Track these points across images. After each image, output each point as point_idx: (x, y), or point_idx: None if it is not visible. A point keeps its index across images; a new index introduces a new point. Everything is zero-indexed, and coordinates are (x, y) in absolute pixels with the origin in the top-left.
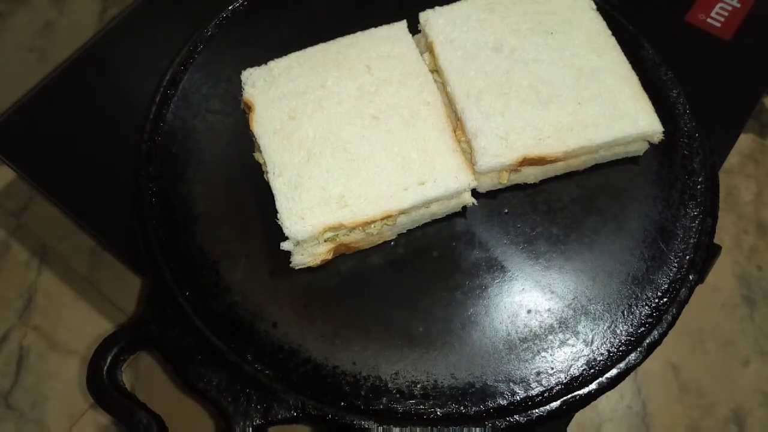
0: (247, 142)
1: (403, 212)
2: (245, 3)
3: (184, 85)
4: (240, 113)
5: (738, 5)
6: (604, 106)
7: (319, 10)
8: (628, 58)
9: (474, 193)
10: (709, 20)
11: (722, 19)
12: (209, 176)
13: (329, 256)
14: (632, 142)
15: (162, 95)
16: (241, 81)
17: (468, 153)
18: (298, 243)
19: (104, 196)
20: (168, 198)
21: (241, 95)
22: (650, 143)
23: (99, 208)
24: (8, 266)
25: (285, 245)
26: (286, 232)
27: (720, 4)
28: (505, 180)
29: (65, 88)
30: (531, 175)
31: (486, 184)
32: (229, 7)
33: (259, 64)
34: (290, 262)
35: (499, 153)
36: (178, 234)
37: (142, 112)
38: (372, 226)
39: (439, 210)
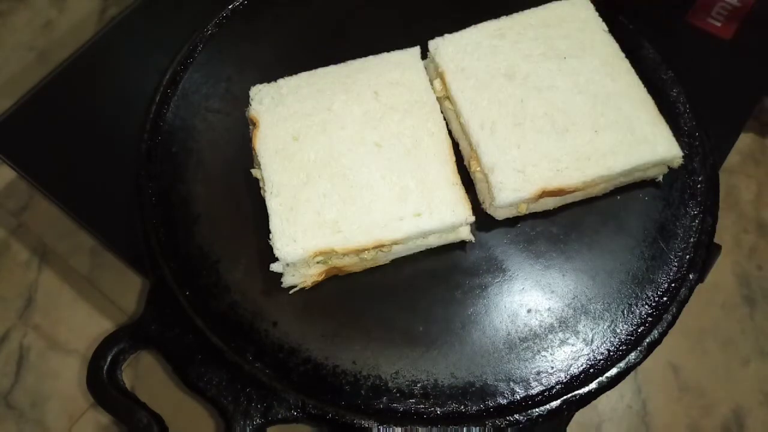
0: (247, 142)
1: (396, 242)
2: (245, 3)
3: (184, 85)
4: (240, 112)
5: (738, 5)
6: (622, 133)
7: (318, 9)
8: (627, 58)
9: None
10: (709, 20)
11: (722, 19)
12: (209, 176)
13: (321, 278)
14: (652, 167)
15: (162, 95)
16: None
17: (484, 183)
18: (288, 264)
19: (104, 196)
20: (168, 198)
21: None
22: (670, 167)
23: (99, 208)
24: (8, 266)
25: (275, 266)
26: (277, 253)
27: (720, 4)
28: (524, 210)
29: (65, 88)
30: (550, 202)
31: (503, 213)
32: (229, 7)
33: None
34: (281, 283)
35: (518, 187)
36: (177, 234)
37: (142, 112)
38: (365, 252)
39: (436, 242)
